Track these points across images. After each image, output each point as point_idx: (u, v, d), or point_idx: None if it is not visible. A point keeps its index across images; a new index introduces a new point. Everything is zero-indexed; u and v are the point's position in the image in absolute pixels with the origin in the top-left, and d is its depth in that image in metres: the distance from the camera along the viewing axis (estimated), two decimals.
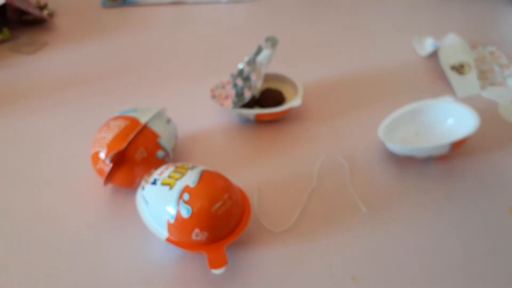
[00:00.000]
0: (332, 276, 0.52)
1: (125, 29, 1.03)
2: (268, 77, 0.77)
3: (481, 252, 0.56)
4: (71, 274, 0.52)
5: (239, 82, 0.71)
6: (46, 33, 1.01)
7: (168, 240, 0.51)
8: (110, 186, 0.62)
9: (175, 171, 0.53)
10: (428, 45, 0.94)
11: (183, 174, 0.52)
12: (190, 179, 0.52)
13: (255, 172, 0.65)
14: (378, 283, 0.52)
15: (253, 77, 0.70)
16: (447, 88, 0.83)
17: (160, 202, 0.51)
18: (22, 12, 1.03)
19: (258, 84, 0.70)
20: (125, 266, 0.53)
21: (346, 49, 0.95)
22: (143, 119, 0.60)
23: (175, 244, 0.51)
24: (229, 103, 0.70)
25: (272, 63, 0.73)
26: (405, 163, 0.67)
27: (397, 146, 0.66)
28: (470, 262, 0.55)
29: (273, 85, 0.77)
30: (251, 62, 0.72)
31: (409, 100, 0.73)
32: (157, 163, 0.59)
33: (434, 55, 0.91)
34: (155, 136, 0.60)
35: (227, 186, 0.53)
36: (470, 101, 0.80)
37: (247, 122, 0.74)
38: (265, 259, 0.54)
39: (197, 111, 0.76)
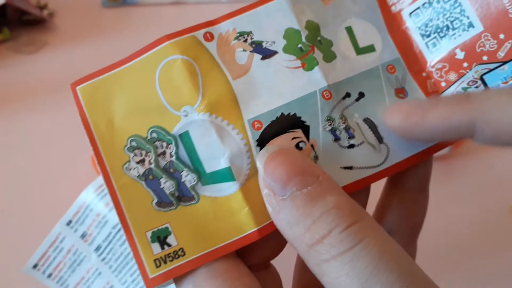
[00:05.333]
0: None
1: (125, 29, 1.03)
2: None
3: (480, 252, 0.56)
4: None
5: None
6: (46, 33, 1.01)
7: None
8: None
9: None
10: None
11: None
12: None
13: None
14: None
15: None
16: None
17: None
18: (22, 12, 1.03)
19: None
20: None
21: None
22: None
23: None
24: None
25: None
26: None
27: None
28: (469, 262, 0.55)
29: None
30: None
31: None
32: None
33: None
34: None
35: None
36: None
37: None
38: None
39: None
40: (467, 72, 0.25)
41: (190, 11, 1.13)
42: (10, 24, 1.05)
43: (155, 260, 0.21)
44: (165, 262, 0.21)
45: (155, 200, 0.22)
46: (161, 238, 0.21)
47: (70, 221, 0.40)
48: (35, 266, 0.41)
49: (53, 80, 0.85)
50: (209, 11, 1.13)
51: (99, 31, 1.02)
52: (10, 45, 0.96)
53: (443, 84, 0.26)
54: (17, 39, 0.98)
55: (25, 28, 1.03)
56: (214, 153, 0.23)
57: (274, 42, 0.24)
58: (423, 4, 0.26)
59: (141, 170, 0.23)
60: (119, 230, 0.37)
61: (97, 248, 0.38)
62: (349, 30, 0.26)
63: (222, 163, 0.22)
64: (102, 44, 0.97)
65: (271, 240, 0.24)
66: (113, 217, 0.38)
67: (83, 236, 0.39)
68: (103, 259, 0.37)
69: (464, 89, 0.25)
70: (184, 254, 0.21)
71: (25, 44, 0.97)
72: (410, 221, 0.31)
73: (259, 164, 0.21)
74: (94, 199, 0.40)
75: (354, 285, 0.18)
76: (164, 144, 0.23)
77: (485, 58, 0.25)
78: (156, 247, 0.21)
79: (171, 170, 0.23)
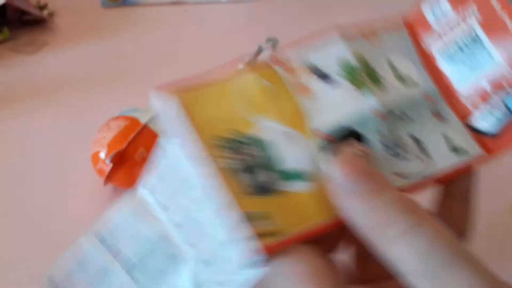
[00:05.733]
0: None
1: (125, 29, 1.03)
2: None
3: (481, 252, 0.56)
4: None
5: None
6: (46, 33, 1.01)
7: None
8: (110, 186, 0.62)
9: None
10: None
11: None
12: None
13: None
14: None
15: None
16: None
17: None
18: (22, 12, 1.03)
19: None
20: None
21: None
22: (143, 119, 0.60)
23: None
24: None
25: None
26: None
27: None
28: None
29: None
30: (252, 63, 0.72)
31: None
32: None
33: None
34: (155, 136, 0.60)
35: None
36: None
37: None
38: None
39: None
40: (492, 98, 0.31)
41: (190, 11, 1.13)
42: (10, 24, 1.05)
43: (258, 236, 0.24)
44: (260, 239, 0.24)
45: (246, 190, 0.26)
46: (255, 219, 0.25)
47: (101, 236, 0.37)
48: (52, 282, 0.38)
49: (53, 80, 0.85)
50: (209, 11, 1.13)
51: (99, 31, 1.02)
52: (10, 45, 0.96)
53: (471, 109, 0.32)
54: (17, 39, 0.98)
55: (25, 28, 1.03)
56: (289, 157, 0.27)
57: (333, 71, 0.30)
58: (451, 45, 0.32)
59: (231, 165, 0.26)
60: (154, 244, 0.35)
61: (127, 264, 0.35)
62: (391, 64, 0.31)
63: (295, 165, 0.27)
64: (102, 44, 0.97)
65: (333, 235, 0.28)
66: (150, 233, 0.35)
67: (111, 250, 0.36)
68: (132, 278, 0.35)
69: (490, 112, 0.31)
70: (274, 234, 0.25)
71: (25, 44, 0.97)
72: (455, 229, 0.33)
73: (328, 166, 0.26)
74: (128, 213, 0.37)
75: (417, 259, 0.22)
76: (249, 147, 0.27)
77: (506, 85, 0.30)
78: (251, 226, 0.24)
79: (255, 169, 0.27)
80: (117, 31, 1.02)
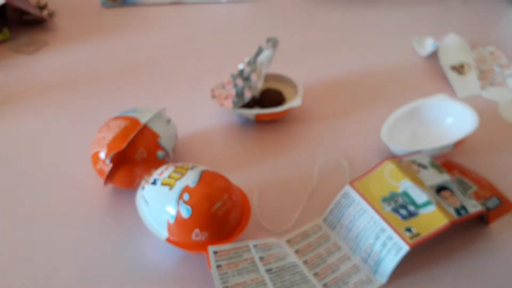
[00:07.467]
0: None
1: (125, 29, 1.03)
2: (268, 77, 0.77)
3: (481, 251, 0.56)
4: (71, 273, 0.52)
5: (239, 82, 0.71)
6: (46, 33, 1.01)
7: (168, 240, 0.51)
8: (110, 186, 0.62)
9: (175, 171, 0.53)
10: (428, 45, 0.94)
11: (183, 174, 0.52)
12: (190, 179, 0.52)
13: (255, 172, 0.65)
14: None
15: (254, 77, 0.70)
16: (447, 88, 0.83)
17: (160, 202, 0.51)
18: (22, 12, 1.04)
19: (258, 85, 0.70)
20: (125, 266, 0.53)
21: (346, 49, 0.95)
22: (143, 119, 0.60)
23: (175, 244, 0.51)
24: (229, 103, 0.70)
25: (272, 63, 0.73)
26: None
27: (400, 148, 0.66)
28: (468, 259, 0.55)
29: (273, 85, 0.77)
30: (252, 63, 0.72)
31: (409, 100, 0.73)
32: (157, 163, 0.59)
33: (434, 55, 0.91)
34: (155, 136, 0.60)
35: (227, 186, 0.53)
36: (470, 101, 0.80)
37: (247, 122, 0.74)
38: None
39: (197, 111, 0.76)
40: None
41: (190, 11, 1.13)
42: (10, 24, 1.05)
43: (408, 238, 0.52)
44: (412, 239, 0.52)
45: (399, 217, 0.55)
46: (408, 229, 0.53)
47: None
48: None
49: (53, 80, 0.85)
50: (209, 11, 1.13)
51: (99, 31, 1.02)
52: (10, 45, 0.96)
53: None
54: (17, 39, 0.98)
55: (25, 28, 1.03)
56: (420, 196, 0.56)
57: (426, 162, 0.62)
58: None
59: (392, 207, 0.56)
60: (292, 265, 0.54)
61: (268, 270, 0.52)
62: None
63: (424, 199, 0.56)
64: (102, 44, 0.97)
65: None
66: (292, 259, 0.54)
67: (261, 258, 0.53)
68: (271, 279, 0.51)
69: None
70: (419, 235, 0.52)
71: (25, 44, 0.97)
72: None
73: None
74: (288, 249, 0.55)
75: None
76: (400, 196, 0.57)
77: None
78: (407, 233, 0.53)
79: (402, 205, 0.56)
80: (117, 31, 1.02)
